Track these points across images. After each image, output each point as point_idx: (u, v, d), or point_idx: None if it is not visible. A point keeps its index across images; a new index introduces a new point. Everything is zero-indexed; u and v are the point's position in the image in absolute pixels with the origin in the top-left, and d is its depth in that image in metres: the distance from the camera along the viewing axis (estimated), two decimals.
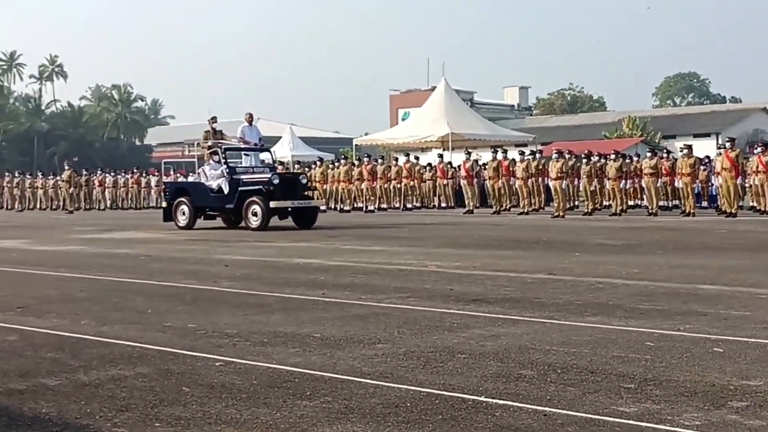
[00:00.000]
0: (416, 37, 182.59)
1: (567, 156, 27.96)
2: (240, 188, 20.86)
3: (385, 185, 33.78)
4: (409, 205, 33.51)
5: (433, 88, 43.75)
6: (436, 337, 6.93)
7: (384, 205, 33.59)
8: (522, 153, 29.43)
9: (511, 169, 28.87)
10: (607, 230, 18.98)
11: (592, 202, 27.08)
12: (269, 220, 20.30)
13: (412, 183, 33.96)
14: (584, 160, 27.60)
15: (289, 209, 20.96)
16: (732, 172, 24.05)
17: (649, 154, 27.61)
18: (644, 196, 27.31)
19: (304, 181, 22.78)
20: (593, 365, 5.85)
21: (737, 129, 58.64)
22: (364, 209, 33.14)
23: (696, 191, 26.78)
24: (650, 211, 25.51)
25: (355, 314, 8.12)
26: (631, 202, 28.25)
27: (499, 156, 29.63)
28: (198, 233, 20.36)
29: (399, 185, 33.76)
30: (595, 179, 26.92)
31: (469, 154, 31.64)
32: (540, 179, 28.08)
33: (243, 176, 21.35)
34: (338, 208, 33.74)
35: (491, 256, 13.43)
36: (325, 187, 34.52)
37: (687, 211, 24.92)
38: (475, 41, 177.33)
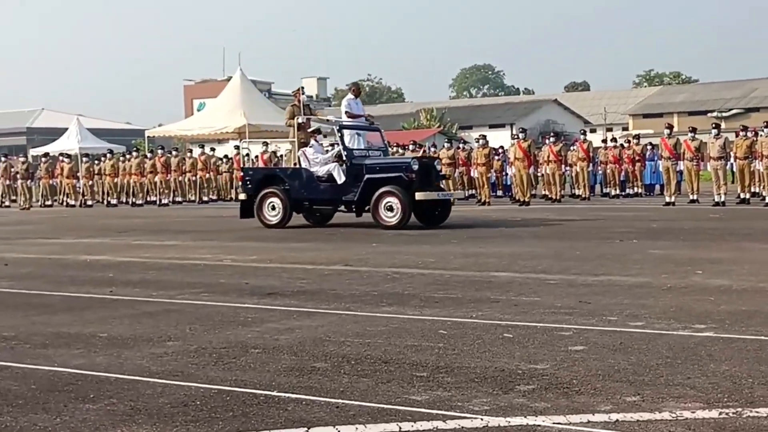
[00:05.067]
0: (212, 26, 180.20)
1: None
2: (367, 176, 16.54)
3: (180, 178, 33.06)
4: (205, 198, 32.95)
5: (229, 79, 43.14)
6: (230, 333, 6.77)
7: (179, 199, 32.86)
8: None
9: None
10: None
11: None
12: (410, 215, 16.32)
13: (208, 175, 33.41)
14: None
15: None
16: (525, 162, 24.99)
17: (446, 145, 28.30)
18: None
19: (439, 167, 18.23)
20: (387, 355, 5.86)
21: (530, 120, 61.29)
22: (157, 203, 32.32)
23: (491, 181, 27.66)
24: None
25: (145, 312, 7.83)
26: None
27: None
28: None
29: (194, 178, 33.13)
30: None
31: (266, 144, 31.40)
32: None
33: (367, 161, 16.95)
34: (130, 202, 32.75)
35: (288, 249, 13.34)
36: (115, 180, 33.42)
37: (482, 200, 25.71)
38: (272, 31, 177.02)
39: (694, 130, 23.81)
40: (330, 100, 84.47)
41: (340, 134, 17.02)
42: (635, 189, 28.74)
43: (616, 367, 5.39)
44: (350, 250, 12.79)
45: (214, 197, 33.45)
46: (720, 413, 4.40)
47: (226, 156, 34.41)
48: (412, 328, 6.80)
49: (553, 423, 4.32)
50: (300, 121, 17.95)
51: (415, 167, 16.30)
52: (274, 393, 4.99)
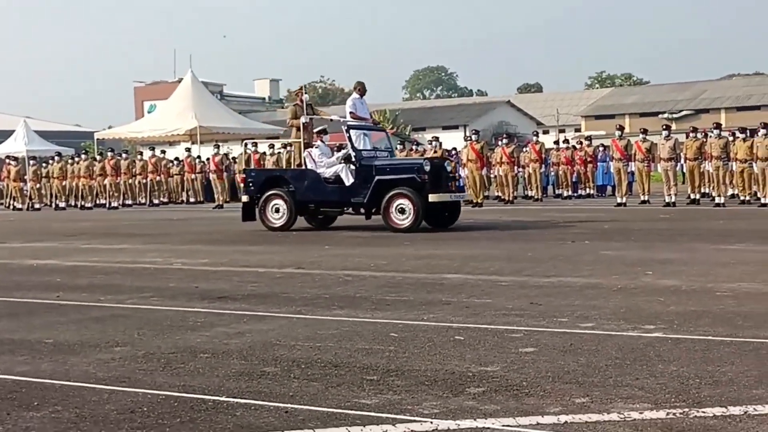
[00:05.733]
0: (163, 28, 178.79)
1: None
2: (377, 177, 16.11)
3: (130, 181, 32.72)
4: (156, 201, 32.65)
5: (180, 80, 42.86)
6: (179, 338, 6.69)
7: (129, 202, 32.52)
8: (272, 146, 29.35)
9: (262, 162, 28.74)
10: (357, 221, 19.20)
11: None
12: (423, 218, 15.87)
13: (158, 178, 33.10)
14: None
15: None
16: (477, 164, 25.10)
17: (399, 147, 28.31)
18: None
19: (449, 168, 17.55)
20: (338, 359, 5.82)
21: (483, 121, 61.55)
22: (107, 206, 31.96)
23: None
24: None
25: (92, 317, 7.71)
26: None
27: (249, 149, 29.45)
28: None
29: (145, 180, 32.81)
30: None
31: (218, 147, 31.20)
32: None
33: (377, 162, 16.51)
34: (79, 206, 32.35)
35: (240, 252, 13.25)
36: (64, 183, 33.01)
37: None
38: (224, 32, 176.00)
39: (645, 131, 24.09)
40: (282, 102, 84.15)
41: (348, 135, 16.55)
42: (587, 190, 28.99)
43: (565, 368, 5.40)
44: (303, 253, 12.73)
45: (165, 200, 33.14)
46: (667, 414, 4.43)
47: (176, 158, 34.09)
48: (363, 331, 6.77)
49: (503, 425, 4.32)
50: (304, 121, 17.46)
51: (428, 168, 15.94)
52: (223, 398, 4.93)
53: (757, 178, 21.71)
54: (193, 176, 32.74)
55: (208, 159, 31.72)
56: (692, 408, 4.51)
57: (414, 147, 28.28)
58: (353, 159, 16.40)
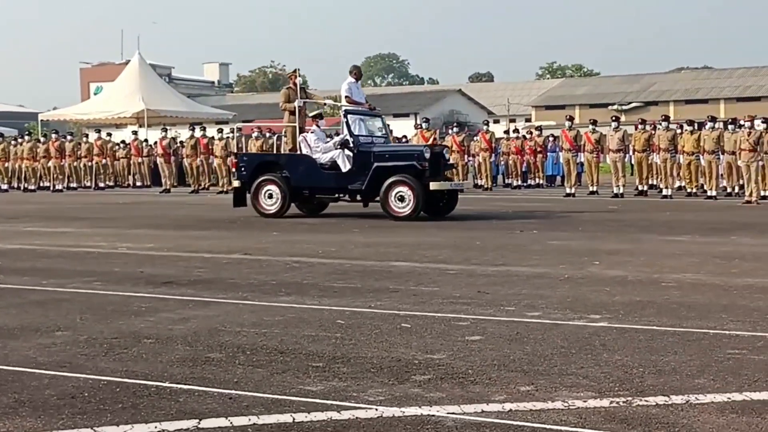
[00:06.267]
0: (110, 8, 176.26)
1: (267, 134, 27.93)
2: (376, 164, 15.78)
3: (75, 163, 32.21)
4: (101, 185, 32.19)
5: (128, 62, 42.30)
6: (122, 322, 6.59)
7: (74, 185, 32.03)
8: (220, 131, 29.09)
9: (210, 147, 28.48)
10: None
11: None
12: (423, 206, 15.50)
13: (104, 161, 32.61)
14: (284, 138, 27.59)
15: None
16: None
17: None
18: None
19: (448, 155, 17.36)
20: (283, 345, 5.78)
21: (435, 109, 61.63)
22: (51, 188, 31.48)
23: None
24: None
25: (33, 301, 7.58)
26: None
27: (197, 133, 29.14)
28: None
29: (90, 163, 32.32)
30: None
31: (166, 131, 30.83)
32: None
33: (375, 149, 16.20)
34: (22, 188, 31.82)
35: (187, 237, 13.12)
36: (6, 165, 32.44)
37: None
38: (173, 14, 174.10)
39: (594, 122, 24.27)
40: (232, 86, 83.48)
41: (345, 120, 16.18)
42: (537, 180, 29.14)
43: (511, 356, 5.42)
44: (251, 239, 12.64)
45: (111, 183, 32.67)
46: (611, 402, 4.45)
47: (123, 141, 33.60)
48: (309, 318, 6.73)
49: (448, 413, 4.31)
50: (298, 105, 16.96)
51: (428, 155, 15.65)
52: (166, 384, 4.87)
53: (704, 171, 22.01)
54: (139, 160, 32.30)
55: (155, 143, 31.33)
56: (635, 397, 4.54)
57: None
58: (351, 145, 16.02)
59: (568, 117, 25.80)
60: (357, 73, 17.47)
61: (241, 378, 4.99)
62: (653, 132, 23.19)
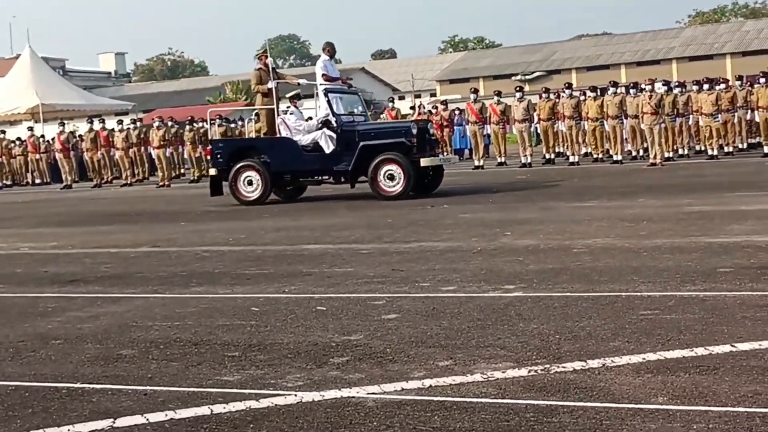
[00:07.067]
0: None
1: (169, 123, 27.47)
2: (362, 143, 15.23)
3: None
4: None
5: (18, 56, 41.08)
6: (28, 325, 6.38)
7: None
8: (120, 122, 28.48)
9: (110, 139, 27.87)
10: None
11: (198, 168, 26.89)
12: (413, 183, 15.04)
13: (0, 160, 31.64)
14: (187, 127, 27.27)
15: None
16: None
17: (254, 118, 27.72)
18: None
19: (432, 131, 16.77)
20: (197, 337, 5.66)
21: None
22: None
23: None
24: None
25: None
26: None
27: (96, 126, 28.46)
28: None
29: None
30: (200, 145, 26.72)
31: (63, 125, 30.04)
32: (142, 148, 27.37)
33: (359, 127, 15.60)
34: None
35: (92, 233, 12.80)
36: None
37: None
38: (64, 4, 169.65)
39: (499, 93, 24.45)
40: (130, 76, 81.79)
41: (326, 99, 15.59)
42: (445, 154, 29.26)
43: (428, 332, 5.40)
44: (158, 231, 12.40)
45: (9, 182, 31.73)
46: (529, 371, 4.47)
47: (19, 138, 32.61)
48: (223, 307, 6.61)
49: (368, 393, 4.26)
50: (270, 86, 16.37)
51: (415, 131, 15.25)
52: (78, 385, 4.73)
53: (609, 136, 22.40)
54: (37, 156, 31.41)
55: (53, 138, 30.50)
56: (553, 364, 4.56)
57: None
58: (333, 124, 15.52)
59: (472, 90, 25.96)
60: (330, 50, 16.94)
61: (155, 373, 4.87)
62: (557, 100, 23.49)
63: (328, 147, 15.55)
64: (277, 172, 15.90)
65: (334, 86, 16.22)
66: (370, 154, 15.14)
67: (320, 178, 16.07)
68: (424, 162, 15.14)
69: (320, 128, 15.70)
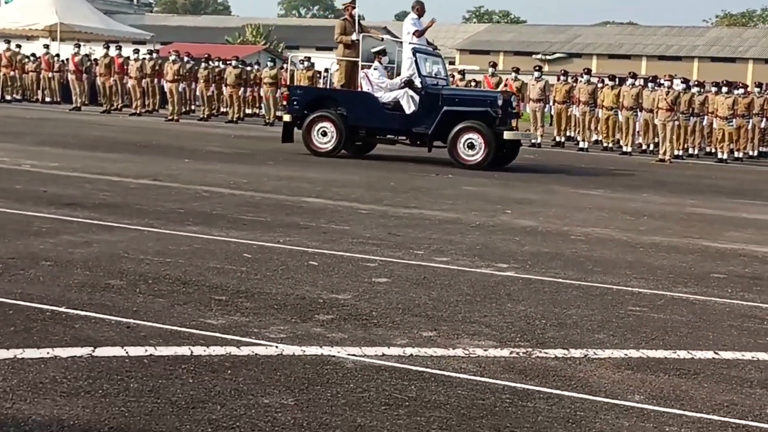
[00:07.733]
0: None
1: (185, 58, 27.33)
2: (446, 107, 14.85)
3: None
4: (8, 97, 31.10)
5: None
6: (20, 243, 6.38)
7: None
8: (137, 51, 28.31)
9: (125, 67, 27.70)
10: (221, 138, 18.84)
11: (209, 107, 26.79)
12: (494, 155, 14.70)
13: (12, 73, 31.46)
14: (203, 64, 27.11)
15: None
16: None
17: (269, 64, 27.64)
18: (263, 106, 27.46)
19: (515, 103, 16.33)
20: (187, 276, 5.66)
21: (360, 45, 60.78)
22: None
23: None
24: (267, 121, 25.72)
25: None
26: (249, 111, 28.31)
27: (113, 52, 28.28)
28: None
29: None
30: (213, 84, 26.60)
31: (79, 47, 29.84)
32: (156, 80, 27.22)
33: (444, 92, 15.31)
34: None
35: (95, 158, 12.76)
36: None
37: None
38: None
39: (517, 70, 24.27)
40: (152, 6, 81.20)
41: (414, 58, 15.11)
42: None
43: (416, 301, 5.40)
44: (161, 165, 12.37)
45: (19, 97, 31.58)
46: (511, 352, 4.47)
47: (33, 54, 32.38)
48: (216, 249, 6.61)
49: (348, 354, 4.27)
50: (354, 38, 15.83)
51: (500, 102, 14.87)
52: (62, 309, 4.74)
53: (621, 126, 22.31)
54: (50, 75, 31.19)
55: (67, 59, 30.31)
56: (535, 348, 4.57)
57: (285, 66, 27.58)
58: (418, 85, 15.10)
59: (491, 63, 25.75)
60: (420, 8, 16.17)
61: (140, 307, 4.88)
62: (574, 84, 23.33)
63: (409, 107, 15.16)
64: (353, 126, 15.48)
65: (421, 46, 15.76)
66: (453, 120, 14.81)
67: (396, 138, 15.72)
68: (507, 135, 14.88)
69: (403, 87, 15.32)
